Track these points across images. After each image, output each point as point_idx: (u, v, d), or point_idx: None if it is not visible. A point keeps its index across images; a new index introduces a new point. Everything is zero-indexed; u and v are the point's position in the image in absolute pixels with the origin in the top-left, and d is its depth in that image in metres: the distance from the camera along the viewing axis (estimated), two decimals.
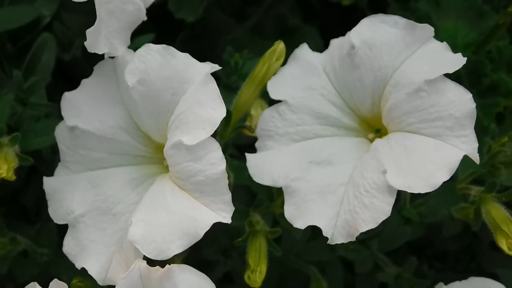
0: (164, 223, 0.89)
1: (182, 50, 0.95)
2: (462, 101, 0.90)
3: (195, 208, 0.88)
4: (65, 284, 0.86)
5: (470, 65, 1.22)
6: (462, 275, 1.11)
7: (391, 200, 0.90)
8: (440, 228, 1.24)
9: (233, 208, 0.88)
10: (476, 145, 0.89)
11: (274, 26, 1.47)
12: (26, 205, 1.27)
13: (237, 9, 1.49)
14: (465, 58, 0.92)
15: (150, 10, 1.27)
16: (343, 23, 1.04)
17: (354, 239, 0.92)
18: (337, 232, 0.92)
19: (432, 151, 0.89)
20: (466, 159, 1.04)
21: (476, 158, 0.89)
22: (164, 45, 0.94)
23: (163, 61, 0.93)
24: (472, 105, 0.90)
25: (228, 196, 0.88)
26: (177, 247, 0.88)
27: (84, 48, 0.99)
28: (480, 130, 1.17)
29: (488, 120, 1.21)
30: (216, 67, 0.91)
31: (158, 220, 0.90)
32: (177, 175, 0.90)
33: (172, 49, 0.94)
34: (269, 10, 1.48)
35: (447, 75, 0.93)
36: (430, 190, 0.89)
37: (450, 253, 1.40)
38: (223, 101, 0.89)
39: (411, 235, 1.21)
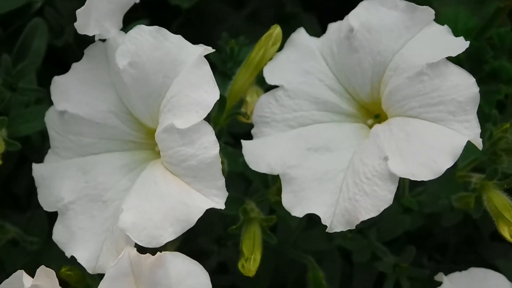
0: (156, 209, 0.88)
1: None
2: (466, 85, 0.88)
3: (188, 194, 0.86)
4: (53, 271, 0.85)
5: (471, 52, 1.21)
6: (462, 267, 1.09)
7: (393, 188, 0.88)
8: (440, 219, 1.22)
9: (226, 194, 0.87)
10: (479, 130, 0.87)
11: (271, 13, 1.45)
12: (17, 193, 1.25)
13: None
14: (468, 42, 0.90)
15: None
16: (342, 11, 1.02)
17: (354, 227, 0.90)
18: (336, 220, 0.91)
19: (435, 136, 0.87)
20: (466, 146, 1.02)
21: (479, 143, 0.87)
22: (156, 27, 0.92)
23: (155, 43, 0.91)
24: (476, 89, 0.88)
25: (222, 181, 0.86)
26: (170, 234, 0.86)
27: (77, 34, 0.97)
28: (481, 117, 1.16)
29: (489, 107, 1.19)
30: (210, 49, 0.89)
31: (149, 206, 0.89)
32: (168, 160, 0.88)
33: (164, 30, 0.92)
34: None
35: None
36: (434, 177, 0.87)
37: (450, 244, 1.39)
38: (216, 84, 0.87)
39: (410, 225, 1.20)
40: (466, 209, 1.09)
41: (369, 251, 1.17)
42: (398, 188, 1.16)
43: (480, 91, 1.20)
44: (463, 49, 0.90)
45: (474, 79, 0.88)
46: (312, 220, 0.97)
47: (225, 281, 1.24)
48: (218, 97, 0.86)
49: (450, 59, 1.00)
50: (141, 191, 0.91)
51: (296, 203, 0.93)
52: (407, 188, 1.13)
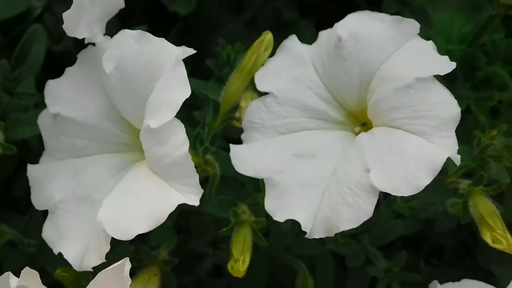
0: (131, 205, 0.90)
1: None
2: (449, 103, 0.90)
3: (163, 191, 0.89)
4: (36, 272, 0.86)
5: (464, 58, 1.22)
6: (459, 271, 1.10)
7: (374, 200, 0.90)
8: (435, 224, 1.23)
9: (201, 191, 0.88)
10: (457, 148, 0.89)
11: (269, 20, 1.46)
12: (16, 196, 1.27)
13: (232, 2, 1.49)
14: (455, 63, 0.93)
15: (143, 3, 1.26)
16: (340, 18, 1.02)
17: (333, 235, 0.91)
18: (316, 227, 0.92)
19: (416, 150, 0.89)
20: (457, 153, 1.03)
21: (457, 160, 0.89)
22: (140, 31, 0.93)
23: (139, 47, 0.92)
24: (458, 109, 0.90)
25: (195, 178, 0.88)
26: (141, 228, 0.89)
27: (75, 40, 0.98)
28: (475, 123, 1.17)
29: (482, 113, 1.20)
30: (190, 51, 0.90)
31: (126, 202, 0.91)
32: (149, 160, 0.91)
33: (147, 34, 0.93)
34: (265, 3, 1.48)
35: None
36: (414, 193, 0.89)
37: (446, 249, 1.39)
38: (188, 83, 0.88)
39: (405, 230, 1.20)
40: (459, 214, 1.09)
41: (362, 255, 1.17)
42: (389, 194, 1.19)
43: (473, 98, 1.22)
44: (451, 70, 0.92)
45: (456, 101, 0.91)
46: None
47: (220, 284, 1.25)
48: (187, 95, 0.88)
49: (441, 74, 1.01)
50: (123, 188, 0.94)
51: (278, 208, 0.94)
52: None
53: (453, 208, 1.09)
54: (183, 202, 0.88)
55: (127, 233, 0.89)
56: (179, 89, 0.88)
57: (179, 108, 0.88)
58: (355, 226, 0.90)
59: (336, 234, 1.13)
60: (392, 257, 1.18)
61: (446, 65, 0.92)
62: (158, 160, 0.88)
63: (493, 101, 1.21)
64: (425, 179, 0.88)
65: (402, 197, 1.14)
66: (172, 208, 0.88)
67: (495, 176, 1.02)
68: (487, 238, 0.95)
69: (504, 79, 1.22)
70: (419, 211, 1.15)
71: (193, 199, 0.88)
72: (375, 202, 0.90)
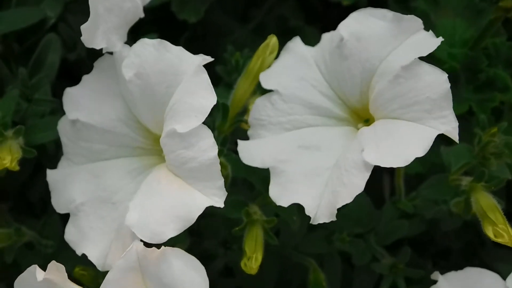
0: (159, 208, 0.92)
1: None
2: (438, 82, 0.91)
3: (189, 193, 0.91)
4: (62, 266, 0.88)
5: (466, 61, 1.25)
6: None
7: (366, 175, 0.92)
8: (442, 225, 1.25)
9: (225, 193, 0.91)
10: (456, 124, 0.90)
11: (275, 27, 1.48)
12: (33, 200, 1.30)
13: (239, 10, 1.52)
14: (440, 39, 0.94)
15: (153, 11, 1.29)
16: None
17: (335, 219, 0.94)
18: (320, 212, 0.95)
19: (408, 132, 0.91)
20: (458, 151, 1.05)
21: (455, 137, 0.90)
22: (159, 39, 0.97)
23: (158, 55, 0.95)
24: (447, 85, 0.91)
25: (221, 181, 0.91)
26: (171, 231, 0.91)
27: (88, 48, 1.02)
28: (477, 125, 1.19)
29: (484, 114, 1.22)
30: (208, 59, 0.93)
31: (152, 205, 0.94)
32: (172, 163, 0.93)
33: (166, 42, 0.96)
34: (271, 11, 1.50)
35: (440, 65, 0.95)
36: (402, 165, 0.91)
37: (453, 250, 1.41)
38: (213, 90, 0.91)
39: (411, 230, 1.22)
40: (463, 214, 1.11)
41: (368, 254, 1.20)
42: (394, 193, 1.21)
43: (475, 99, 1.25)
44: (434, 48, 0.93)
45: (446, 76, 0.91)
46: (314, 224, 1.00)
47: (232, 283, 1.27)
48: (215, 102, 0.91)
49: (445, 67, 1.03)
50: (147, 191, 0.96)
51: (282, 194, 0.97)
52: (402, 193, 1.17)
53: (456, 207, 1.12)
54: (210, 204, 0.90)
55: (157, 236, 0.91)
56: (206, 95, 0.91)
57: (207, 114, 0.90)
58: (348, 202, 0.92)
59: (342, 233, 1.17)
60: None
61: (429, 45, 0.93)
62: (183, 163, 0.91)
63: (494, 102, 1.23)
64: (414, 153, 0.89)
65: (407, 195, 1.18)
66: (200, 210, 0.90)
67: (495, 172, 1.05)
68: (489, 232, 0.97)
69: (506, 81, 1.24)
70: (423, 209, 1.18)
71: (218, 201, 0.90)
72: (366, 177, 0.91)
